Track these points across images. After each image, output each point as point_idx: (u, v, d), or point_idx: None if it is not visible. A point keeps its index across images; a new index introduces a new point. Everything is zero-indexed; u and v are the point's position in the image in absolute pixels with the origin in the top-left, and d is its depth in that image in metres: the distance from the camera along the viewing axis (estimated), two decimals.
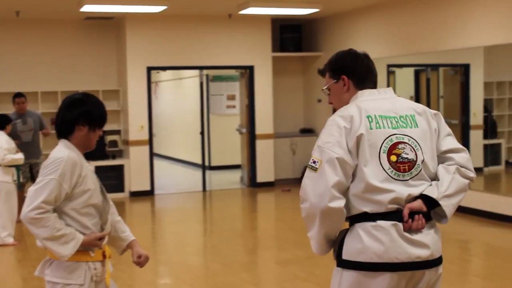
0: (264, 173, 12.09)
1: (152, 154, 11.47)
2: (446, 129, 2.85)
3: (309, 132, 12.75)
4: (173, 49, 11.49)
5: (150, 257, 3.44)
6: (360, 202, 2.65)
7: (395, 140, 2.68)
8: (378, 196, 2.62)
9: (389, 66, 11.31)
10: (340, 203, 2.64)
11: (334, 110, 2.85)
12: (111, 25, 11.69)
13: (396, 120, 2.73)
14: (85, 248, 3.13)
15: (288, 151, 12.51)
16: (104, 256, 3.23)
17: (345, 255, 2.68)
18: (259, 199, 11.41)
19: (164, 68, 12.54)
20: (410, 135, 2.71)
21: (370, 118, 2.69)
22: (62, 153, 3.12)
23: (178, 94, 16.59)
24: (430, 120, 2.79)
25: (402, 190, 2.63)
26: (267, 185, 12.03)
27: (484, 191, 8.95)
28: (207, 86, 14.47)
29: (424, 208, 2.64)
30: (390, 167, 2.64)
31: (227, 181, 12.97)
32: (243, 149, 12.55)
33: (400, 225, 2.60)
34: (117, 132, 11.65)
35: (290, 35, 12.43)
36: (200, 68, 12.03)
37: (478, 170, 2.97)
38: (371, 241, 2.60)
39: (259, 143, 12.04)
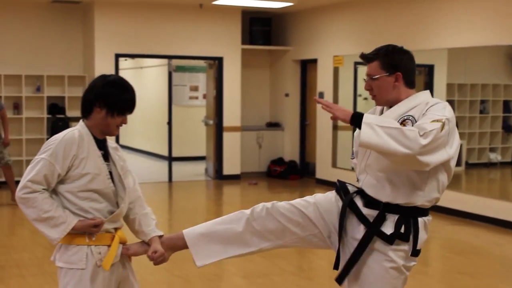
0: (230, 166, 12.01)
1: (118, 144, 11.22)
2: None
3: (276, 126, 12.74)
4: (142, 37, 11.28)
5: None
6: (438, 192, 2.97)
7: None
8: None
9: (356, 63, 11.40)
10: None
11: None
12: (78, 9, 11.41)
13: None
14: (83, 232, 2.99)
15: (255, 145, 12.46)
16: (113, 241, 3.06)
17: (419, 245, 2.96)
18: (226, 191, 11.32)
19: (132, 56, 12.29)
20: None
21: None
22: (61, 134, 3.02)
23: (138, 84, 16.31)
24: None
25: None
26: (233, 178, 11.97)
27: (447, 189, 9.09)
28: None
29: None
30: None
31: (190, 172, 12.84)
32: (209, 141, 12.44)
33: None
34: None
35: (259, 28, 12.38)
36: (169, 57, 11.82)
37: None
38: (425, 233, 3.01)
39: (226, 136, 11.96)
